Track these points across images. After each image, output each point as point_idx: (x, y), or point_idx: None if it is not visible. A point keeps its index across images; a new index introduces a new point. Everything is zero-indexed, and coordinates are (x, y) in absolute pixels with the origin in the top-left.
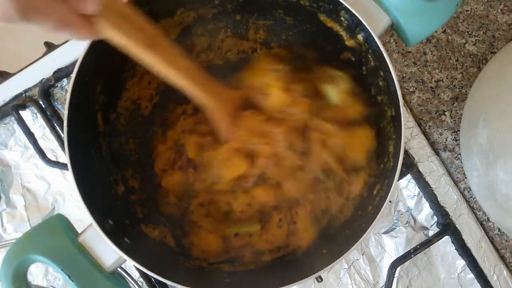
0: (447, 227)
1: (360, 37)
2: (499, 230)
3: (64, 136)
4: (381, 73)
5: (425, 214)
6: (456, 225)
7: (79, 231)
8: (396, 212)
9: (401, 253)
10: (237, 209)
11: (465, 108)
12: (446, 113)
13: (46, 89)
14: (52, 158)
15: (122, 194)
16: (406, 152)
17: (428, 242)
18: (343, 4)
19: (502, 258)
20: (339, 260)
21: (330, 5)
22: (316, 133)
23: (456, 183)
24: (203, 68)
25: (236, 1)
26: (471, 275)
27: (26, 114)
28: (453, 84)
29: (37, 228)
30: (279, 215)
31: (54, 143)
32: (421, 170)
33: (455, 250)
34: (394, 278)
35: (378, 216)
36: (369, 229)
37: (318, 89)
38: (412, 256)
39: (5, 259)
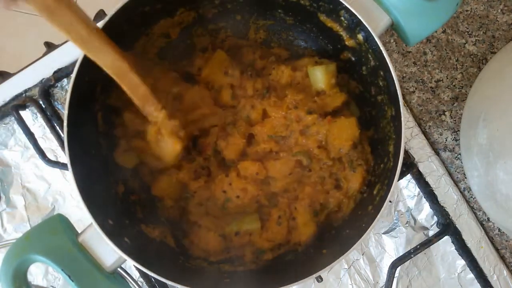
0: (447, 227)
1: (360, 37)
2: (499, 230)
3: (64, 136)
4: (381, 73)
5: (425, 214)
6: (456, 225)
7: (79, 231)
8: (396, 212)
9: (401, 253)
10: (233, 195)
11: (465, 108)
12: (446, 113)
13: (46, 89)
14: (52, 158)
15: (122, 194)
16: (406, 152)
17: (428, 242)
18: (343, 4)
19: (502, 258)
20: (339, 260)
21: (330, 5)
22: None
23: (456, 183)
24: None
25: (236, 1)
26: (471, 275)
27: (26, 114)
28: (453, 84)
29: (37, 228)
30: (278, 212)
31: (54, 143)
32: (421, 170)
33: (455, 250)
34: (394, 278)
35: (378, 216)
36: (369, 229)
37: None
38: (412, 256)
39: (5, 259)
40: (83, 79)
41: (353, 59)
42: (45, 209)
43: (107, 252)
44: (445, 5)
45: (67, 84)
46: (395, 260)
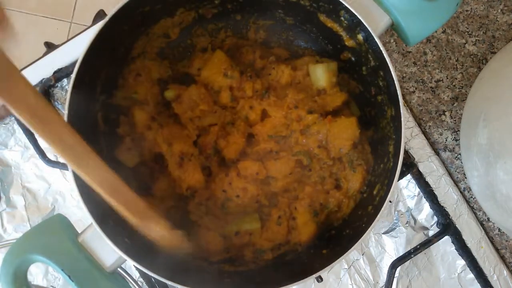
0: (447, 227)
1: (360, 37)
2: (499, 230)
3: None
4: (381, 73)
5: (425, 214)
6: (456, 225)
7: (79, 231)
8: (396, 212)
9: (401, 253)
10: (233, 194)
11: (465, 108)
12: (446, 113)
13: (46, 89)
14: (52, 158)
15: None
16: (406, 152)
17: (428, 242)
18: (343, 4)
19: (502, 258)
20: (339, 260)
21: (330, 5)
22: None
23: (456, 183)
24: None
25: (236, 1)
26: (471, 275)
27: None
28: (453, 84)
29: (37, 228)
30: (278, 213)
31: None
32: (421, 170)
33: (455, 250)
34: (394, 278)
35: (378, 216)
36: (369, 229)
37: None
38: (412, 256)
39: (6, 259)
40: (83, 79)
41: (353, 59)
42: (45, 209)
43: (107, 252)
44: (445, 5)
45: (67, 84)
46: (395, 260)
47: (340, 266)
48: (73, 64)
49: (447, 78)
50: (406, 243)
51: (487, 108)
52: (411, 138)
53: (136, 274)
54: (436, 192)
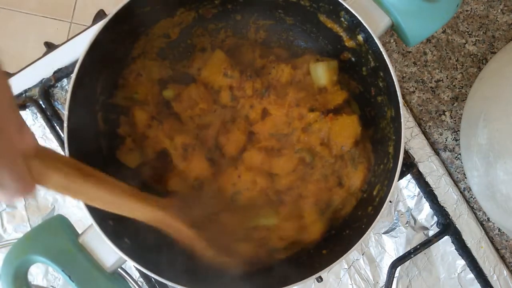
0: (447, 227)
1: (360, 37)
2: (499, 230)
3: (64, 136)
4: (381, 73)
5: (425, 214)
6: (456, 225)
7: (80, 232)
8: (396, 212)
9: (401, 253)
10: (243, 187)
11: (465, 108)
12: (446, 113)
13: (46, 89)
14: None
15: None
16: (406, 152)
17: (428, 242)
18: (343, 5)
19: (502, 258)
20: (339, 260)
21: (330, 6)
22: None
23: (456, 183)
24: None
25: (236, 1)
26: (471, 275)
27: (26, 114)
28: (453, 84)
29: (38, 229)
30: (285, 210)
31: (54, 143)
32: (421, 170)
33: (455, 250)
34: (394, 278)
35: (378, 216)
36: (369, 229)
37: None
38: (412, 256)
39: (6, 260)
40: (83, 79)
41: (353, 59)
42: (45, 209)
43: (107, 252)
44: (445, 6)
45: (67, 84)
46: (395, 260)
47: (340, 266)
48: (73, 64)
49: (447, 78)
50: (406, 243)
51: (487, 108)
52: (411, 138)
53: (136, 274)
54: (436, 192)
